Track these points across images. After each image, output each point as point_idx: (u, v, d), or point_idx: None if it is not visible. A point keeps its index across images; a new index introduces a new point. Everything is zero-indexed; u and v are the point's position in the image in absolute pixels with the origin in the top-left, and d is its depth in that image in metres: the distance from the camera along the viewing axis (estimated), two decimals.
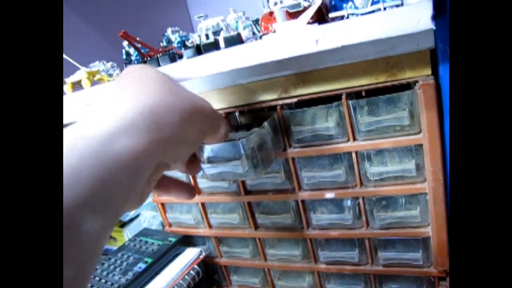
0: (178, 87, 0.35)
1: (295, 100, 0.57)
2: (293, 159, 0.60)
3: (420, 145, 0.53)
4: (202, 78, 0.59)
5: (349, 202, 0.60)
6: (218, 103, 0.61)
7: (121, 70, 0.69)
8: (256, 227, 0.68)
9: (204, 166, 0.50)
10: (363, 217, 0.60)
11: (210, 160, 0.49)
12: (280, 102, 0.58)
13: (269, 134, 0.54)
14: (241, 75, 0.58)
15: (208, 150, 0.48)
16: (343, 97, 0.54)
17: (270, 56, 0.48)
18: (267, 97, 0.58)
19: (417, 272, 0.60)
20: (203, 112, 0.37)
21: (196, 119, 0.35)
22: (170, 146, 0.31)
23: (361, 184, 0.58)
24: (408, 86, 0.55)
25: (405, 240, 0.59)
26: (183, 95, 0.35)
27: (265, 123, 0.53)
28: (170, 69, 0.55)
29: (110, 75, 0.66)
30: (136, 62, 0.67)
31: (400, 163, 0.55)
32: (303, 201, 0.62)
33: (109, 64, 0.68)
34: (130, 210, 0.35)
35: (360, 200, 0.59)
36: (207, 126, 0.39)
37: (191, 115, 0.34)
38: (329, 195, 0.59)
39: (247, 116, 0.69)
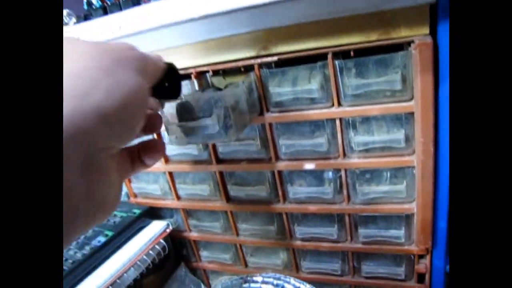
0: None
1: (275, 58, 0.50)
2: (270, 124, 0.54)
3: (411, 114, 0.48)
4: (169, 29, 0.51)
5: (330, 174, 0.55)
6: (188, 60, 0.54)
7: (78, 19, 0.60)
8: (228, 199, 0.63)
9: (169, 126, 0.43)
10: (344, 191, 0.55)
11: (176, 119, 0.42)
12: (259, 60, 0.51)
13: (244, 94, 0.48)
14: (216, 26, 0.51)
15: (173, 106, 0.41)
16: (329, 56, 0.48)
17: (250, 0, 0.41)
18: (244, 54, 0.52)
19: (398, 250, 0.56)
20: (128, 58, 0.25)
21: (119, 69, 0.24)
22: (100, 129, 0.21)
23: (344, 154, 0.53)
24: (400, 47, 0.50)
25: (388, 216, 0.55)
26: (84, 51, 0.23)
27: (240, 82, 0.47)
28: (132, 14, 0.48)
29: (65, 24, 0.58)
30: (96, 9, 0.58)
31: (388, 133, 0.50)
32: (279, 172, 0.57)
33: (64, 12, 0.59)
34: (107, 213, 0.25)
35: (342, 173, 0.54)
36: (144, 69, 0.27)
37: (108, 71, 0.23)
38: (309, 166, 0.54)
39: (220, 78, 0.62)
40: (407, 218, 0.54)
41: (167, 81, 0.32)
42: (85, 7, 0.66)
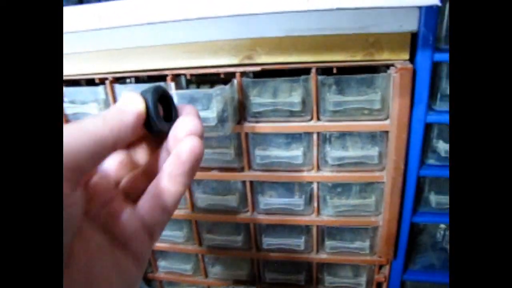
0: None
1: (258, 68, 0.50)
2: (246, 134, 0.53)
3: (386, 132, 0.50)
4: (149, 26, 0.48)
5: (302, 187, 0.56)
6: (164, 61, 0.52)
7: None
8: (194, 208, 0.60)
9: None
10: (315, 204, 0.56)
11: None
12: (241, 69, 0.50)
13: (236, 94, 0.49)
14: (200, 30, 0.49)
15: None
16: (313, 71, 0.49)
17: (253, 7, 0.40)
18: (227, 60, 0.50)
19: (362, 261, 0.58)
20: None
21: None
22: None
23: (318, 168, 0.54)
24: (374, 69, 0.52)
25: (354, 229, 0.57)
26: None
27: (233, 79, 0.49)
28: (111, 7, 0.44)
29: None
30: None
31: (362, 149, 0.52)
32: (251, 182, 0.56)
33: None
34: None
35: (315, 185, 0.55)
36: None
37: None
38: (282, 177, 0.54)
39: (194, 85, 0.60)
40: (372, 231, 0.57)
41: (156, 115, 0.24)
42: None
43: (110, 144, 0.20)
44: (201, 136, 0.24)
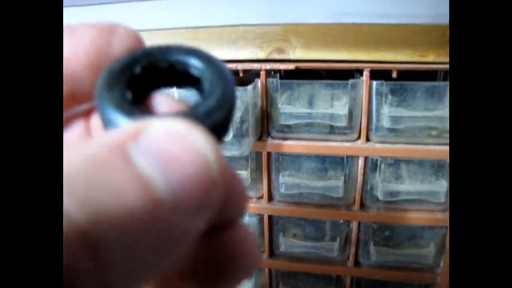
0: None
1: (291, 66, 0.37)
2: (269, 154, 0.40)
3: None
4: (148, 4, 0.35)
5: (336, 226, 0.42)
6: None
7: None
8: None
9: None
10: (352, 249, 0.43)
11: None
12: (268, 65, 0.37)
13: (259, 99, 0.36)
14: (213, 10, 0.36)
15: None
16: (366, 74, 0.36)
17: None
18: (249, 54, 0.37)
19: None
20: None
21: None
22: None
23: (361, 204, 0.40)
24: (433, 74, 0.40)
25: (402, 283, 0.44)
26: None
27: (257, 79, 0.37)
28: None
29: None
30: None
31: (422, 182, 0.39)
32: (270, 217, 0.43)
33: None
34: None
35: (354, 226, 0.42)
36: None
37: None
38: (313, 213, 0.41)
39: None
40: None
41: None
42: None
43: None
44: None
